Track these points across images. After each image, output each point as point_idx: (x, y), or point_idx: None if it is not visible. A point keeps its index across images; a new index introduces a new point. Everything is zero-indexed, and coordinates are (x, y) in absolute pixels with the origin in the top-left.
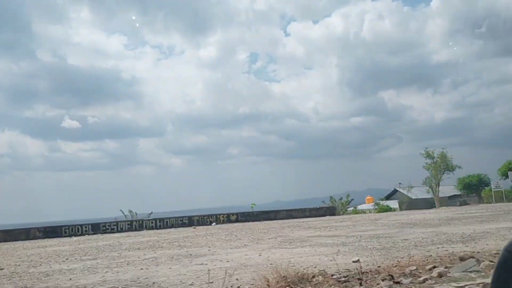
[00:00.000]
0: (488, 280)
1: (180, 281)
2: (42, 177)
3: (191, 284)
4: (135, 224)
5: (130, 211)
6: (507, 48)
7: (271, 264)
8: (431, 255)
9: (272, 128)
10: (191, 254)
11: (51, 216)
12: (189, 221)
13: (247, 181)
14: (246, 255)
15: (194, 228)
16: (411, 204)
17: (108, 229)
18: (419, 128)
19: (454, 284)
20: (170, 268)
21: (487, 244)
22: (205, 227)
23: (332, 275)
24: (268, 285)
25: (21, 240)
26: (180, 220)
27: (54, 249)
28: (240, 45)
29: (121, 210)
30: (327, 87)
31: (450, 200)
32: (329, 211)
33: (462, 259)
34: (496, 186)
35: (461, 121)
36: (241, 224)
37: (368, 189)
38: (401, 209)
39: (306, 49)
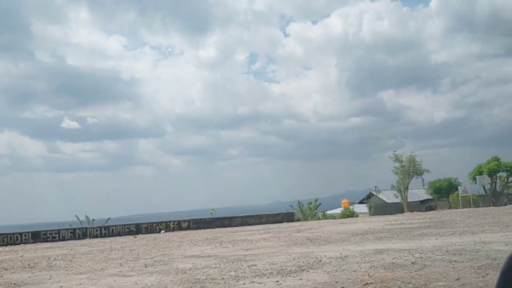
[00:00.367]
0: None
1: None
2: (42, 178)
3: None
4: (78, 232)
5: (87, 217)
6: (506, 48)
7: None
8: None
9: (272, 128)
10: (14, 283)
11: (50, 217)
12: (137, 229)
13: (247, 181)
14: None
15: (135, 237)
16: (381, 209)
17: (49, 237)
18: (418, 128)
19: None
20: None
21: (300, 279)
22: (153, 235)
23: None
24: None
25: None
26: (127, 228)
27: None
28: (239, 45)
29: (76, 216)
30: (326, 88)
31: (423, 205)
32: (287, 217)
33: None
34: (463, 191)
35: (461, 121)
36: (187, 232)
37: (368, 189)
38: (370, 214)
39: (305, 49)
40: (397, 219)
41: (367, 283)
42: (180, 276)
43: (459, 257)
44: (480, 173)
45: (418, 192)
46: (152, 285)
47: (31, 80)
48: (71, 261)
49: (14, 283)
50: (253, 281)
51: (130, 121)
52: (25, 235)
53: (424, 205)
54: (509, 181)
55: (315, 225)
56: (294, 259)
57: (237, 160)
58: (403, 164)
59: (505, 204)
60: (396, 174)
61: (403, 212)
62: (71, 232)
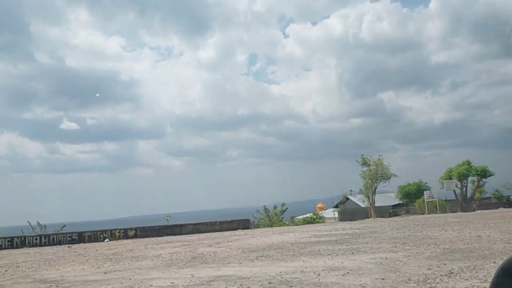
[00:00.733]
0: None
1: None
2: (41, 179)
3: None
4: (16, 241)
5: (38, 223)
6: (506, 49)
7: None
8: None
9: (271, 129)
10: None
11: (50, 218)
12: (79, 238)
13: (247, 182)
14: None
15: (69, 247)
16: (348, 214)
17: None
18: (418, 129)
19: None
20: None
21: None
22: (97, 243)
23: None
24: None
25: None
26: (69, 236)
27: None
28: (239, 46)
29: (28, 222)
30: (326, 89)
31: (393, 209)
32: (242, 224)
33: None
34: (429, 196)
35: (461, 122)
36: (132, 241)
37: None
38: (338, 219)
39: (305, 50)
40: (337, 228)
41: None
42: None
43: None
44: (450, 177)
45: (393, 196)
46: None
47: (31, 81)
48: None
49: None
50: None
51: (130, 122)
52: None
53: (398, 209)
54: (480, 185)
55: (256, 234)
56: None
57: (237, 161)
58: (370, 168)
59: (474, 210)
60: (364, 178)
61: (369, 217)
62: (8, 241)
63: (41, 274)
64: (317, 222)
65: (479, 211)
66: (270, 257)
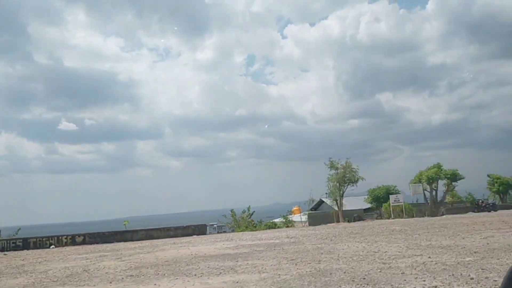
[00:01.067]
0: None
1: None
2: (40, 180)
3: None
4: None
5: None
6: (503, 50)
7: None
8: None
9: (270, 130)
10: None
11: (48, 219)
12: (24, 244)
13: (246, 183)
14: None
15: (5, 254)
16: (318, 218)
17: None
18: (416, 130)
19: None
20: None
21: None
22: (44, 250)
23: None
24: None
25: None
26: (13, 242)
27: None
28: (237, 47)
29: None
30: (324, 90)
31: (357, 214)
32: (198, 230)
33: None
34: (395, 200)
35: (458, 123)
36: (77, 247)
37: (367, 192)
38: (309, 223)
39: (303, 51)
40: (279, 236)
41: None
42: None
43: None
44: (420, 181)
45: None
46: None
47: (29, 81)
48: None
49: None
50: None
51: (128, 123)
52: None
53: (353, 215)
54: (450, 189)
55: (196, 242)
56: None
57: (236, 162)
58: (338, 171)
59: (443, 214)
60: (331, 181)
61: (334, 221)
62: None
63: None
64: (278, 227)
65: (446, 216)
66: (140, 276)
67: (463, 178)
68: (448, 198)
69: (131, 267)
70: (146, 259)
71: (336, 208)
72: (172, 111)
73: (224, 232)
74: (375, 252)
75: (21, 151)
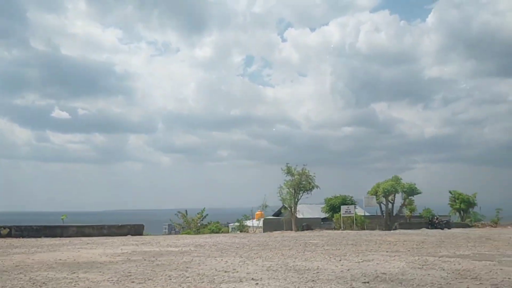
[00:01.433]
0: None
1: None
2: (29, 167)
3: None
4: None
5: None
6: (499, 68)
7: None
8: None
9: (263, 132)
10: None
11: (34, 206)
12: None
13: (235, 184)
14: None
15: None
16: (273, 224)
17: None
18: (408, 142)
19: None
20: None
21: None
22: None
23: None
24: None
25: None
26: None
27: None
28: (236, 47)
29: None
30: (320, 95)
31: (323, 223)
32: (134, 229)
33: None
34: (346, 211)
35: (450, 138)
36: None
37: (361, 199)
38: (264, 229)
39: (301, 55)
40: (187, 243)
41: None
42: None
43: None
44: (376, 193)
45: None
46: None
47: (24, 67)
48: None
49: None
50: None
51: (121, 115)
52: None
53: (302, 224)
54: (406, 203)
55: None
56: None
57: (227, 162)
58: (294, 177)
59: (396, 228)
60: (286, 187)
61: (286, 229)
62: None
63: None
64: (222, 232)
65: (399, 230)
66: None
67: (420, 192)
68: (407, 213)
69: None
70: (16, 259)
71: (299, 215)
72: (166, 106)
73: (176, 233)
74: (226, 272)
75: (11, 137)
